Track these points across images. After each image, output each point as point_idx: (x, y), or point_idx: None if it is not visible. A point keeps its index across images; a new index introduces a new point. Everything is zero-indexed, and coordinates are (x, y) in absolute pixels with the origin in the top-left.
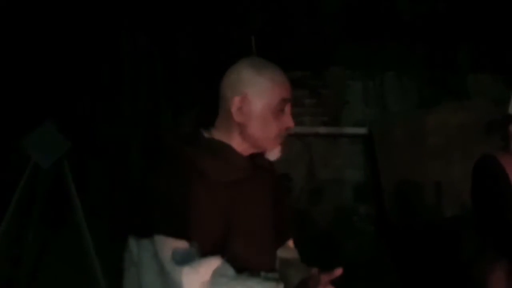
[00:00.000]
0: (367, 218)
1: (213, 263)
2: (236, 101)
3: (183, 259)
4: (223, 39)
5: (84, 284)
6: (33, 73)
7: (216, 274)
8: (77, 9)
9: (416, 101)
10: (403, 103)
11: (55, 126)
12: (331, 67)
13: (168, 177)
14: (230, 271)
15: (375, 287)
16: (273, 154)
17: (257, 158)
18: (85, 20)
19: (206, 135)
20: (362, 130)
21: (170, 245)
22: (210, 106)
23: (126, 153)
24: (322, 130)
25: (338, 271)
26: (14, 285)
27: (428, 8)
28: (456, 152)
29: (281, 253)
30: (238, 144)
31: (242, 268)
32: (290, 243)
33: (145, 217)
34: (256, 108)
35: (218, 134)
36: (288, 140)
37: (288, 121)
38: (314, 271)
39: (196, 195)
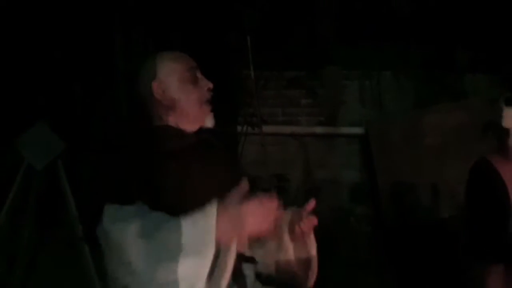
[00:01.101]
0: (364, 218)
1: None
2: (155, 87)
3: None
4: (218, 38)
5: (78, 284)
6: (26, 73)
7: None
8: (70, 7)
9: (413, 101)
10: (399, 103)
11: (49, 127)
12: (327, 67)
13: (122, 155)
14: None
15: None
16: (209, 121)
17: (201, 135)
18: (78, 19)
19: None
20: (358, 130)
21: (113, 212)
22: None
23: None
24: (318, 130)
25: (312, 203)
26: (8, 286)
27: (424, 8)
28: (453, 152)
29: None
30: (177, 125)
31: None
32: None
33: (106, 187)
34: (173, 85)
35: (158, 123)
36: (284, 140)
37: (205, 83)
38: (294, 210)
39: (148, 164)
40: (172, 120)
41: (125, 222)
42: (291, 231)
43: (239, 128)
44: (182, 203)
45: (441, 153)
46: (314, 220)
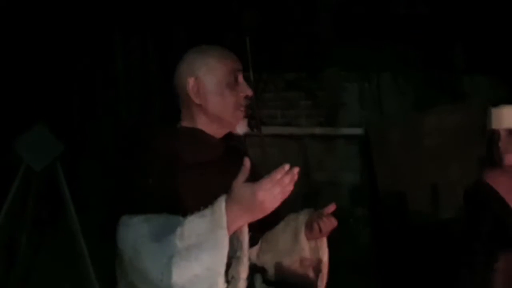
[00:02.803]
0: (363, 220)
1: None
2: (190, 84)
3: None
4: (218, 40)
5: (77, 286)
6: (25, 75)
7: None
8: (70, 10)
9: (412, 102)
10: (399, 105)
11: (47, 129)
12: (327, 69)
13: (141, 161)
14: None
15: None
16: (241, 128)
17: (230, 142)
18: (78, 21)
19: (177, 126)
20: (358, 132)
21: (132, 222)
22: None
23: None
24: (318, 131)
25: (332, 206)
26: (7, 287)
27: (423, 9)
28: (453, 154)
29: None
30: (207, 128)
31: None
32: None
33: (124, 198)
34: (211, 85)
35: (186, 124)
36: (284, 141)
37: (244, 89)
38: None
39: (171, 174)
40: (201, 123)
41: (138, 227)
42: (309, 230)
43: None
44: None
45: (440, 154)
46: (334, 222)
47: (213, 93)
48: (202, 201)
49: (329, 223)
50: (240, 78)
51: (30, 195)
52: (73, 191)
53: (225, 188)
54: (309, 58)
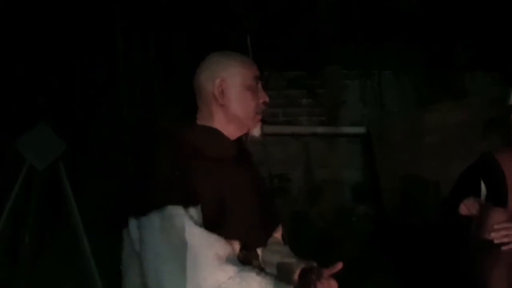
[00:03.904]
0: (366, 218)
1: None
2: (217, 83)
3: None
4: (219, 39)
5: (80, 285)
6: (27, 74)
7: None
8: (71, 9)
9: (414, 100)
10: (400, 102)
11: (50, 128)
12: (328, 67)
13: (166, 154)
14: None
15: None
16: (256, 131)
17: (240, 143)
18: (79, 21)
19: (197, 122)
20: (360, 130)
21: (183, 212)
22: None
23: (121, 154)
24: (319, 130)
25: (339, 265)
26: (11, 286)
27: (425, 7)
28: (455, 151)
29: (277, 247)
30: (224, 128)
31: (239, 239)
32: (280, 237)
33: (150, 192)
34: (235, 88)
35: (203, 122)
36: (285, 140)
37: (263, 95)
38: (314, 264)
39: (194, 168)
40: (220, 122)
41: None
42: (303, 283)
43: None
44: (221, 214)
45: (442, 151)
46: (334, 285)
47: (237, 95)
48: (213, 206)
49: (328, 286)
50: (260, 85)
51: (32, 194)
52: (75, 190)
53: (241, 187)
54: (310, 56)
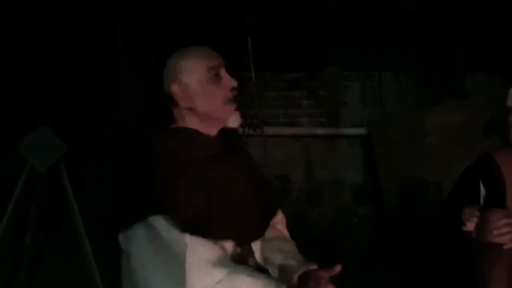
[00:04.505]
0: (367, 219)
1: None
2: (175, 89)
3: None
4: (219, 40)
5: (81, 286)
6: (29, 76)
7: (220, 259)
8: (72, 10)
9: (414, 101)
10: (401, 103)
11: (51, 129)
12: (329, 68)
13: (145, 165)
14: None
15: None
16: (234, 121)
17: (225, 137)
18: (80, 23)
19: (172, 126)
20: (360, 131)
21: (165, 222)
22: None
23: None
24: (320, 131)
25: (338, 268)
26: None
27: (425, 9)
28: (455, 152)
29: (280, 245)
30: (199, 127)
31: (230, 238)
32: (286, 232)
33: (133, 204)
34: (193, 87)
35: (179, 125)
36: (286, 141)
37: (227, 82)
38: (314, 267)
39: (174, 175)
40: (192, 123)
41: (195, 238)
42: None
43: (240, 129)
44: (206, 216)
45: (443, 152)
46: None
47: (198, 93)
48: (203, 205)
49: None
50: (222, 72)
51: (34, 196)
52: (76, 192)
53: (227, 184)
54: (311, 57)
